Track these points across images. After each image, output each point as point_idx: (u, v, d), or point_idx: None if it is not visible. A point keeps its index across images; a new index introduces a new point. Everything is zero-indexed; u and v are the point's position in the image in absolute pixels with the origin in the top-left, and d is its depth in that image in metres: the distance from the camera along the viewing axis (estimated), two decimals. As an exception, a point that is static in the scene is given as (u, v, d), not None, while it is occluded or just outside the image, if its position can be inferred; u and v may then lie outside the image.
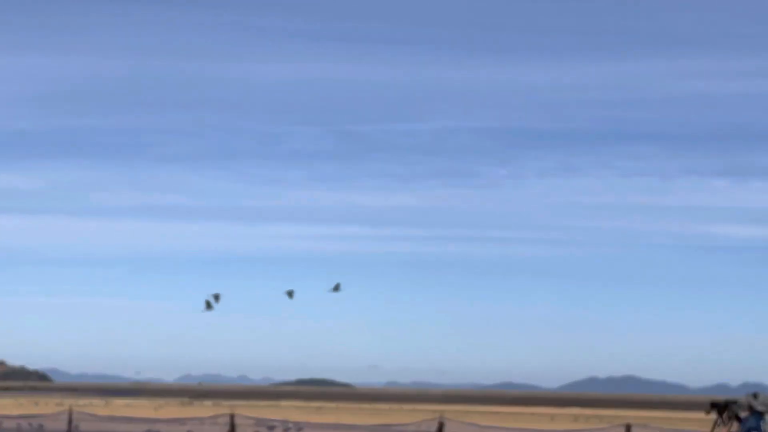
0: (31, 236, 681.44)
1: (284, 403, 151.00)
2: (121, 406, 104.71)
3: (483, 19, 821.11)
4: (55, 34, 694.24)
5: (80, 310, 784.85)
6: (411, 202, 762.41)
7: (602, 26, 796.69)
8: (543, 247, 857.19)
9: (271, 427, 49.91)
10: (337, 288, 42.62)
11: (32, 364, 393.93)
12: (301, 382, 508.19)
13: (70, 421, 38.58)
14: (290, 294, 42.64)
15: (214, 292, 43.10)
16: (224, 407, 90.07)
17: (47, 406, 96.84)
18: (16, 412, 66.74)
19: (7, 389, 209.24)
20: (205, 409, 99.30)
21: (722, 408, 19.80)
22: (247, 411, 69.09)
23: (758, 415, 19.00)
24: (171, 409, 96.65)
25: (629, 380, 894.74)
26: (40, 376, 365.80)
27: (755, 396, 19.00)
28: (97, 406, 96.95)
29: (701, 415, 21.65)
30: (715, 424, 19.88)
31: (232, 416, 32.86)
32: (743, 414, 19.29)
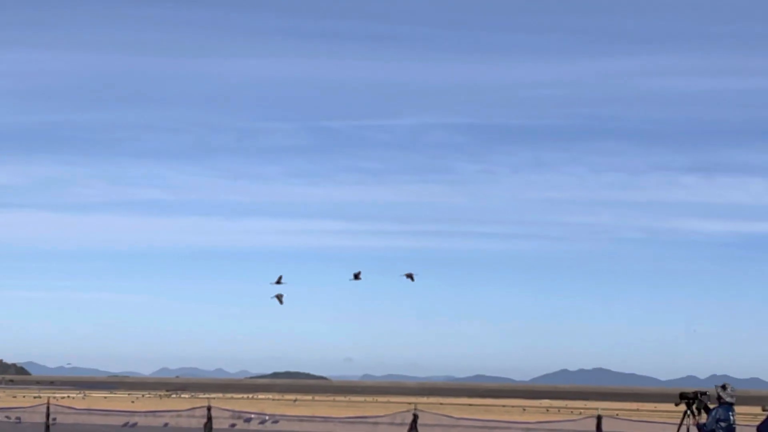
0: (8, 231, 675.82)
1: (260, 395, 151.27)
2: (98, 399, 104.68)
3: (458, 17, 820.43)
4: (33, 31, 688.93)
5: (58, 305, 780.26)
6: (386, 198, 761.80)
7: (575, 26, 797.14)
8: (515, 242, 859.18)
9: (248, 420, 50.24)
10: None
11: (10, 357, 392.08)
12: (277, 375, 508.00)
13: (47, 414, 38.82)
14: (357, 276, 42.79)
15: (279, 286, 43.10)
16: (201, 400, 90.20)
17: (25, 399, 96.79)
18: (-7, 405, 66.66)
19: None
20: (182, 401, 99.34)
21: (691, 399, 20.27)
22: (223, 404, 69.32)
23: (727, 406, 19.52)
24: (148, 402, 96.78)
25: (600, 372, 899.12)
26: (18, 370, 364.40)
27: (723, 387, 19.54)
28: (74, 399, 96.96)
29: (671, 406, 22.17)
30: (685, 415, 20.37)
31: (208, 409, 33.22)
32: (712, 405, 19.81)
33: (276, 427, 49.61)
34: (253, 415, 52.38)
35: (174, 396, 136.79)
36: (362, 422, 51.34)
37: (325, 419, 54.07)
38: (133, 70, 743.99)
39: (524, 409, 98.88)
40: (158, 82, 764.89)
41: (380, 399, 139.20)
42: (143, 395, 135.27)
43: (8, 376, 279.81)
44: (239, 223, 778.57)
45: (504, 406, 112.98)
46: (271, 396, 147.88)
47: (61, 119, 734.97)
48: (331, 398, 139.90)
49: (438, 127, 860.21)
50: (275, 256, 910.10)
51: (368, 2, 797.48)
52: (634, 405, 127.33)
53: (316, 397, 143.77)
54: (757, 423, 19.77)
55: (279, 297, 42.82)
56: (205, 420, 32.77)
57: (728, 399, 19.45)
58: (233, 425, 47.01)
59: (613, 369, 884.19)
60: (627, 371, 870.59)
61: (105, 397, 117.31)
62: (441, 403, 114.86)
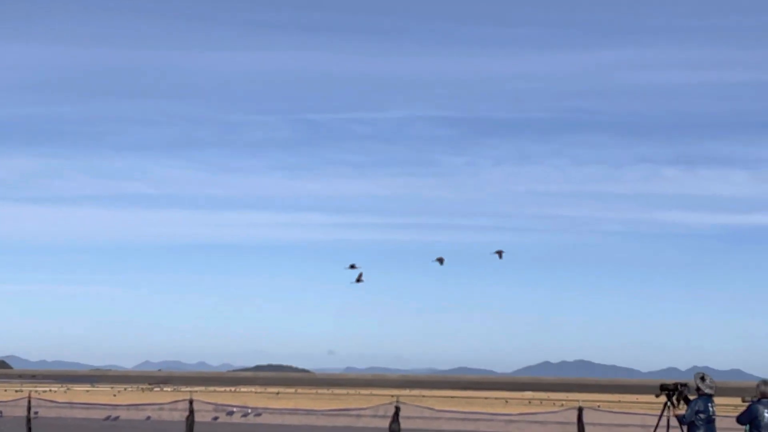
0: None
1: (243, 388, 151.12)
2: (80, 393, 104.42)
3: (442, 10, 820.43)
4: (13, 24, 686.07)
5: (40, 297, 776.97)
6: (369, 191, 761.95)
7: (558, 19, 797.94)
8: (499, 235, 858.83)
9: (230, 413, 50.28)
10: (441, 261, 42.84)
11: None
12: (259, 368, 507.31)
13: (29, 408, 38.71)
14: (441, 261, 42.68)
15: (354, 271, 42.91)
16: (183, 393, 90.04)
17: (6, 393, 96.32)
18: (-26, 399, 66.45)
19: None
20: (164, 395, 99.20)
21: (672, 391, 20.38)
22: (206, 397, 69.30)
23: (706, 397, 19.63)
24: (130, 396, 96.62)
25: (581, 364, 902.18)
26: None
27: (702, 378, 19.65)
28: (56, 393, 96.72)
29: (652, 398, 22.29)
30: (665, 406, 20.48)
31: (191, 402, 33.19)
32: (692, 396, 19.92)
33: (259, 420, 49.69)
34: (235, 409, 52.43)
35: (156, 389, 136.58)
36: (345, 415, 51.44)
37: (308, 412, 54.17)
38: (116, 63, 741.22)
39: (506, 401, 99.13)
40: (141, 75, 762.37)
41: (363, 392, 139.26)
42: (125, 389, 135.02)
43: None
44: (222, 216, 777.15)
45: (486, 398, 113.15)
46: (253, 389, 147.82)
47: (43, 112, 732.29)
48: (314, 391, 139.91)
49: (422, 120, 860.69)
50: (258, 250, 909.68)
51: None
52: (615, 397, 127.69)
53: (299, 390, 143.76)
54: (737, 414, 19.90)
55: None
56: (187, 413, 32.74)
57: (707, 390, 19.57)
58: (216, 418, 47.04)
59: (595, 361, 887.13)
60: (608, 363, 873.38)
61: (87, 391, 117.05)
62: (423, 396, 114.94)
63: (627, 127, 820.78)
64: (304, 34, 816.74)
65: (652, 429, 20.96)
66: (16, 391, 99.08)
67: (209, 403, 48.79)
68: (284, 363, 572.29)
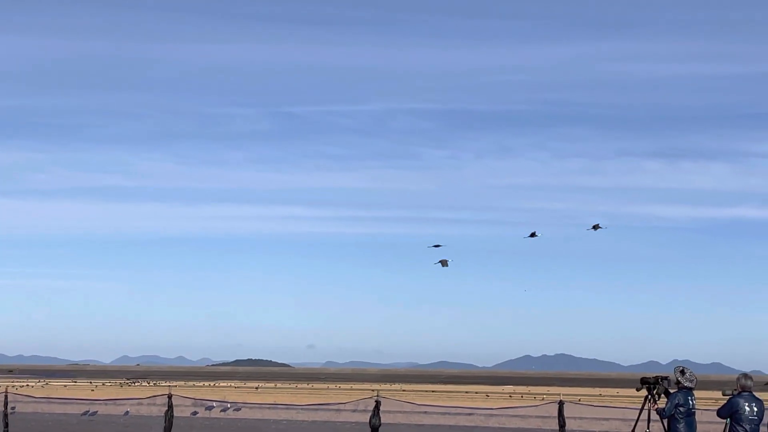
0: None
1: (222, 383, 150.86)
2: (58, 388, 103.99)
3: (423, 3, 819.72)
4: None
5: (17, 292, 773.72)
6: (350, 184, 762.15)
7: (540, 12, 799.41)
8: (480, 228, 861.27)
9: (209, 408, 50.01)
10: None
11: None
12: (239, 363, 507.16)
13: (6, 403, 38.37)
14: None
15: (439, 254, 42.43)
16: (162, 388, 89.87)
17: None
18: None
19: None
20: (142, 389, 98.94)
21: (652, 384, 20.30)
22: (185, 392, 69.09)
23: (686, 390, 19.55)
24: (109, 390, 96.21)
25: (562, 358, 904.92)
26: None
27: (682, 372, 19.55)
28: (34, 388, 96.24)
29: (633, 391, 22.24)
30: (646, 400, 20.39)
31: (169, 397, 32.90)
32: (672, 390, 19.84)
33: (238, 414, 49.48)
34: (214, 403, 52.16)
35: (135, 384, 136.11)
36: (325, 409, 51.30)
37: (288, 406, 54.01)
38: (96, 56, 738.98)
39: (487, 396, 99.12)
40: (120, 68, 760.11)
41: (343, 386, 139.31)
42: (104, 383, 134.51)
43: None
44: (201, 209, 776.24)
45: (467, 392, 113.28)
46: (233, 384, 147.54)
47: (23, 105, 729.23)
48: (294, 385, 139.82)
49: (403, 113, 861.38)
50: (238, 243, 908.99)
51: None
52: (596, 390, 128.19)
53: (279, 385, 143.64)
54: (718, 407, 19.82)
55: (443, 262, 42.35)
56: (166, 408, 32.47)
57: (687, 384, 19.48)
58: (195, 413, 46.78)
59: (576, 355, 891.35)
60: (589, 357, 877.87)
61: (65, 386, 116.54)
62: (404, 390, 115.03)
63: (608, 120, 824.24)
64: (284, 26, 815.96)
65: (633, 422, 20.86)
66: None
67: (188, 398, 48.49)
68: (264, 358, 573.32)
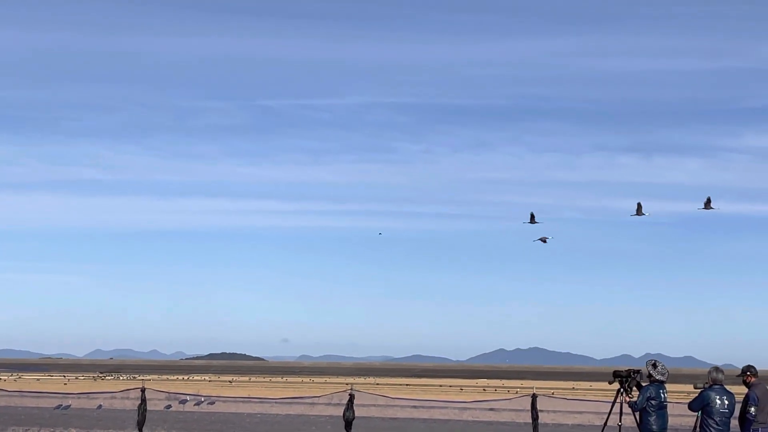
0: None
1: (196, 377, 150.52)
2: (31, 381, 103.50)
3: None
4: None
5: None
6: (325, 177, 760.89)
7: (515, 6, 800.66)
8: (455, 222, 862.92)
9: (183, 401, 49.93)
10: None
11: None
12: (213, 357, 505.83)
13: (-22, 397, 38.20)
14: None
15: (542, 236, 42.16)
16: (135, 382, 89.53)
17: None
18: None
19: None
20: (116, 383, 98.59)
21: (624, 378, 20.41)
22: (158, 385, 68.89)
23: (658, 384, 19.68)
24: (82, 384, 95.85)
25: (536, 352, 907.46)
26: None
27: (654, 365, 19.67)
28: (6, 381, 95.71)
29: (605, 384, 22.35)
30: (618, 393, 20.51)
31: (142, 390, 32.82)
32: (644, 383, 19.96)
33: (212, 408, 49.38)
34: (188, 397, 52.11)
35: (108, 378, 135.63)
36: (299, 403, 51.32)
37: (262, 400, 53.95)
38: (70, 48, 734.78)
39: (461, 389, 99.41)
40: (95, 61, 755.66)
41: (317, 380, 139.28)
42: (77, 377, 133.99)
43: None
44: (176, 202, 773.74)
45: (441, 385, 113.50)
46: (207, 377, 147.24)
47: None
48: (268, 379, 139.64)
49: (379, 107, 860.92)
50: (213, 237, 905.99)
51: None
52: (569, 384, 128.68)
53: (253, 378, 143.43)
54: (689, 401, 19.96)
55: (543, 239, 42.11)
56: (139, 402, 32.39)
57: (659, 377, 19.61)
58: (169, 407, 46.68)
59: (549, 348, 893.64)
60: (563, 351, 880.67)
61: (38, 379, 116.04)
62: (378, 384, 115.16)
63: (584, 115, 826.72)
64: (260, 19, 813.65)
65: (606, 415, 20.98)
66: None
67: (162, 392, 48.46)
68: (238, 351, 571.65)
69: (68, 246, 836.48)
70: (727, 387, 19.20)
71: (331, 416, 41.72)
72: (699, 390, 19.30)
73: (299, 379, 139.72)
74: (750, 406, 19.45)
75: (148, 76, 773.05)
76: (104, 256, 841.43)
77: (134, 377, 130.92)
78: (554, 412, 45.94)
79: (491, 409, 48.68)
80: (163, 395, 47.86)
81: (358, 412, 32.41)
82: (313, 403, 49.36)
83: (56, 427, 36.20)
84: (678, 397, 48.49)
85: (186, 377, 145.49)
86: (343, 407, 31.94)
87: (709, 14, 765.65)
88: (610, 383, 20.54)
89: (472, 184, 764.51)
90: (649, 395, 19.41)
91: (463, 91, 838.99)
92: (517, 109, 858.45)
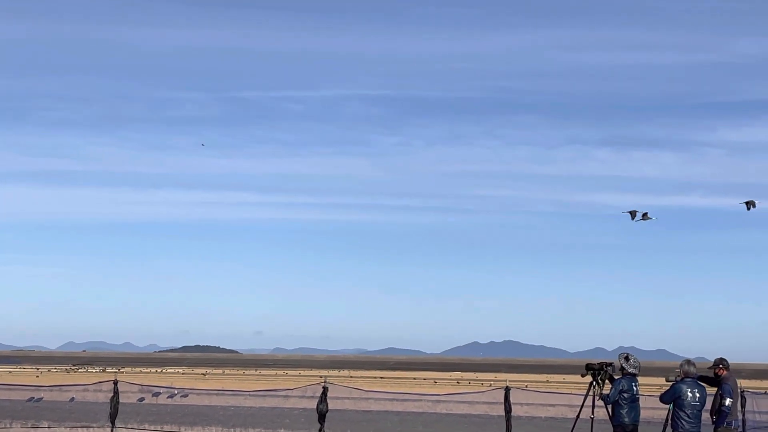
0: None
1: (169, 369, 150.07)
2: (2, 374, 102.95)
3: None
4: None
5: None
6: (300, 170, 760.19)
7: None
8: (430, 215, 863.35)
9: (156, 394, 49.69)
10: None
11: None
12: (186, 349, 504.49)
13: (-50, 389, 37.94)
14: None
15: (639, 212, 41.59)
16: (108, 374, 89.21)
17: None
18: None
19: None
20: (88, 376, 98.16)
21: (597, 371, 20.50)
22: (131, 378, 68.60)
23: (630, 376, 19.78)
24: (54, 377, 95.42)
25: (510, 345, 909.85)
26: None
27: (626, 358, 19.78)
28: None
29: (578, 377, 22.43)
30: (591, 386, 20.60)
31: (115, 383, 32.72)
32: (617, 376, 20.06)
33: (185, 401, 49.20)
34: (161, 390, 51.85)
35: (81, 370, 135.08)
36: (272, 395, 51.17)
37: (235, 393, 53.79)
38: (43, 39, 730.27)
39: (435, 382, 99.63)
40: (69, 51, 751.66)
41: (291, 372, 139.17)
42: (49, 369, 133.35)
43: None
44: (150, 194, 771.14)
45: (415, 378, 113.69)
46: (180, 370, 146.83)
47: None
48: (242, 372, 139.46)
49: (354, 99, 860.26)
50: (186, 229, 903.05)
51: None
52: (543, 377, 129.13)
53: (227, 371, 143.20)
54: (661, 393, 20.07)
55: (644, 215, 41.69)
56: (111, 394, 32.27)
57: (631, 370, 19.72)
58: (141, 399, 46.47)
59: (523, 341, 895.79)
60: (537, 344, 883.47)
61: (9, 372, 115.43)
62: (352, 376, 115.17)
63: (558, 108, 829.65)
64: (235, 10, 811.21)
65: (578, 408, 21.05)
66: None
67: (135, 384, 48.16)
68: (211, 344, 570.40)
69: (42, 238, 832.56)
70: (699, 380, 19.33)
71: (304, 409, 41.65)
72: (671, 383, 19.40)
73: (273, 372, 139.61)
74: (725, 399, 19.57)
75: (123, 67, 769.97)
76: (78, 248, 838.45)
77: (107, 369, 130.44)
78: (527, 404, 46.02)
79: (465, 402, 48.75)
80: (136, 388, 47.55)
81: (332, 404, 32.42)
82: (286, 396, 49.20)
83: (28, 419, 36.01)
84: (650, 390, 48.65)
85: (159, 370, 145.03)
86: (317, 400, 31.94)
87: (685, 9, 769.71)
88: (582, 376, 20.62)
89: (447, 177, 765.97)
90: (621, 388, 19.50)
91: (438, 84, 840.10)
92: (492, 102, 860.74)
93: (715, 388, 19.94)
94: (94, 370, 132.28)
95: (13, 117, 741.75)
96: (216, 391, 55.25)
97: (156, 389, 51.20)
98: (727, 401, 19.50)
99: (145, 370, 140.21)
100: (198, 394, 51.76)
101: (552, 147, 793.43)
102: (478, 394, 49.03)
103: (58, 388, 50.41)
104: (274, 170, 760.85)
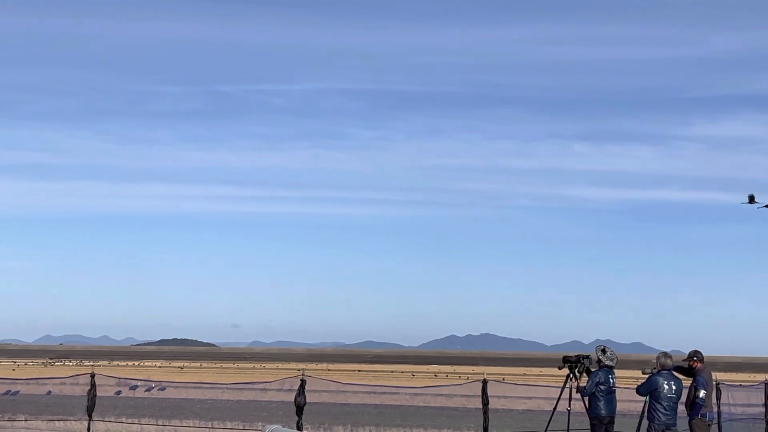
0: None
1: (147, 363, 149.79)
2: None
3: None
4: None
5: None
6: (279, 164, 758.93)
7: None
8: (409, 208, 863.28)
9: (134, 387, 49.67)
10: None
11: None
12: (164, 342, 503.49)
13: (-75, 383, 37.73)
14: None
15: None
16: (85, 368, 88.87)
17: None
18: None
19: None
20: (65, 369, 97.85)
21: (574, 363, 20.62)
22: (109, 371, 68.48)
23: (607, 369, 19.91)
24: (31, 370, 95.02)
25: (487, 338, 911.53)
26: None
27: (603, 351, 19.92)
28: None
29: (555, 370, 22.54)
30: (568, 378, 20.72)
31: (92, 376, 32.60)
32: (593, 369, 20.18)
33: (162, 394, 49.21)
34: (139, 383, 51.81)
35: (58, 363, 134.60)
36: (250, 389, 51.18)
37: (213, 386, 53.79)
38: (21, 31, 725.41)
39: (413, 375, 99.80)
40: (47, 44, 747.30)
41: (268, 365, 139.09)
42: (26, 363, 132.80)
43: None
44: (129, 187, 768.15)
45: (393, 371, 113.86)
46: (158, 363, 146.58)
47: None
48: (219, 365, 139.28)
49: (334, 93, 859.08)
50: (165, 222, 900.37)
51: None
52: (520, 370, 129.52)
53: (204, 364, 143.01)
54: (638, 385, 20.19)
55: (750, 198, 41.36)
56: (89, 388, 32.16)
57: (608, 362, 19.85)
58: (119, 393, 46.45)
59: (500, 335, 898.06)
60: (514, 337, 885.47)
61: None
62: (329, 370, 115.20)
63: (537, 102, 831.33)
64: (214, 3, 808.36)
65: (555, 401, 21.16)
66: None
67: (112, 377, 48.08)
68: (189, 337, 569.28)
69: (19, 231, 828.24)
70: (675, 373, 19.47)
71: (282, 402, 41.66)
72: (647, 375, 19.53)
73: (251, 365, 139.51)
74: (699, 391, 19.71)
75: (101, 60, 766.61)
76: (55, 241, 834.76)
77: (84, 363, 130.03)
78: (505, 397, 46.21)
79: (442, 395, 48.89)
80: (114, 381, 47.48)
81: (310, 397, 32.39)
82: (264, 389, 49.24)
83: (5, 413, 35.88)
84: (627, 382, 48.89)
85: (137, 363, 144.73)
86: (295, 393, 31.93)
87: (662, 4, 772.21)
88: (560, 369, 20.73)
89: (426, 171, 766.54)
90: (598, 380, 19.63)
91: (418, 78, 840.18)
92: (471, 96, 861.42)
93: (691, 380, 20.08)
94: (71, 364, 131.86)
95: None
96: (193, 385, 55.24)
97: (133, 382, 51.15)
98: (701, 393, 19.63)
99: (123, 363, 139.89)
100: (175, 387, 51.78)
101: (531, 141, 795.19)
102: (455, 387, 49.18)
103: (35, 381, 50.31)
104: (253, 164, 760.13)
